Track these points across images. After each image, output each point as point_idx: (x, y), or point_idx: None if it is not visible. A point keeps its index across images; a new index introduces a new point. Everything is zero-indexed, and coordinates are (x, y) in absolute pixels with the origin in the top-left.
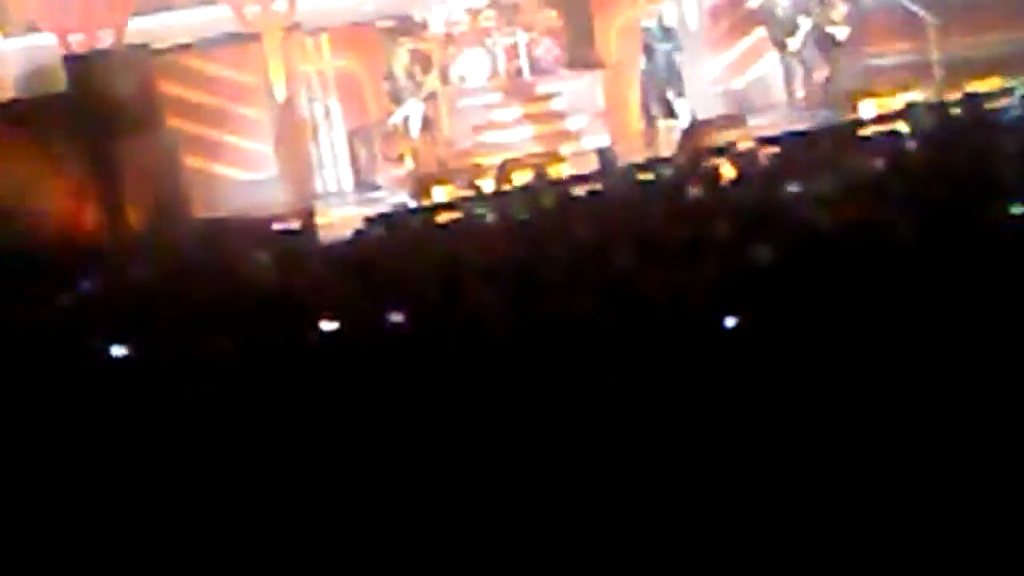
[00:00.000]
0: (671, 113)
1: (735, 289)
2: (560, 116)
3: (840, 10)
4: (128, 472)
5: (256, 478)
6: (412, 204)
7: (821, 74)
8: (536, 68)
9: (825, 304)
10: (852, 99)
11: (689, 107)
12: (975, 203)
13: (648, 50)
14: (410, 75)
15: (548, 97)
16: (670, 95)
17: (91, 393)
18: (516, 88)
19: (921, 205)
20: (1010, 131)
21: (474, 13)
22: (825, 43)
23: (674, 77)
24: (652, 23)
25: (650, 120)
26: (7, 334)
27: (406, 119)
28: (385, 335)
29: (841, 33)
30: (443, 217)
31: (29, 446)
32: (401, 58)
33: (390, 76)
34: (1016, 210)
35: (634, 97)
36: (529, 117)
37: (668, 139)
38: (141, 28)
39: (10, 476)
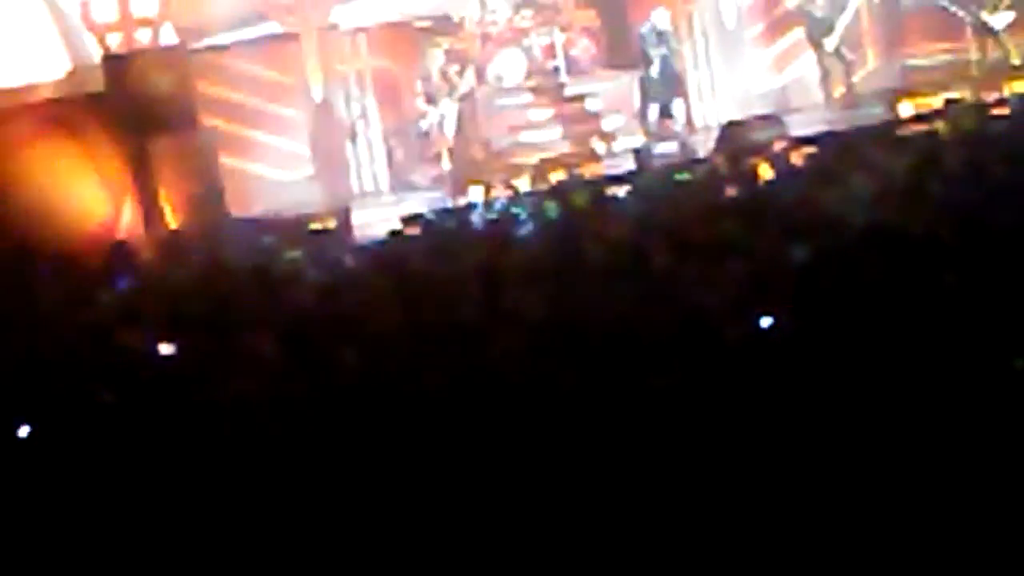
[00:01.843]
0: (669, 116)
1: (770, 290)
2: (596, 116)
3: None
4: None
5: (295, 475)
6: (449, 204)
7: (859, 73)
8: (573, 68)
9: (862, 306)
10: (891, 99)
11: (686, 110)
12: (1012, 206)
13: (644, 56)
14: (445, 75)
15: (584, 97)
16: (667, 98)
17: (128, 392)
18: (552, 88)
19: (958, 206)
20: None
21: (511, 12)
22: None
23: (671, 81)
24: (647, 28)
25: (645, 122)
26: (49, 333)
27: (441, 119)
28: (417, 334)
29: None
30: (481, 217)
31: (60, 446)
32: (436, 58)
33: (425, 76)
34: None
35: None
36: (564, 117)
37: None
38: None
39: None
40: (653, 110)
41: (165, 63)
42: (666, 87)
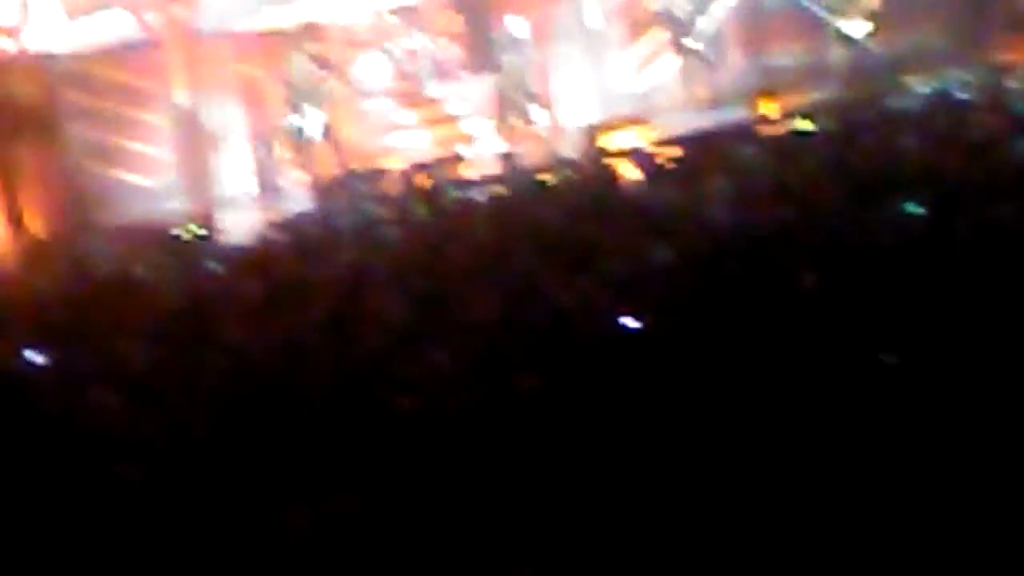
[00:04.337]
0: (527, 121)
1: (635, 290)
2: (459, 119)
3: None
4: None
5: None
6: (314, 208)
7: (721, 74)
8: (436, 71)
9: (728, 305)
10: (753, 99)
11: (547, 113)
12: (873, 202)
13: (497, 61)
14: (309, 80)
15: (447, 100)
16: (524, 103)
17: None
18: (416, 91)
19: (821, 204)
20: (911, 130)
21: (376, 16)
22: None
23: (524, 86)
24: (500, 34)
25: (504, 126)
26: None
27: (306, 124)
28: (283, 338)
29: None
30: (346, 221)
31: None
32: (300, 63)
33: (290, 81)
34: (912, 209)
35: None
36: (430, 120)
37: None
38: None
39: None
40: (510, 115)
41: (27, 71)
42: (520, 91)
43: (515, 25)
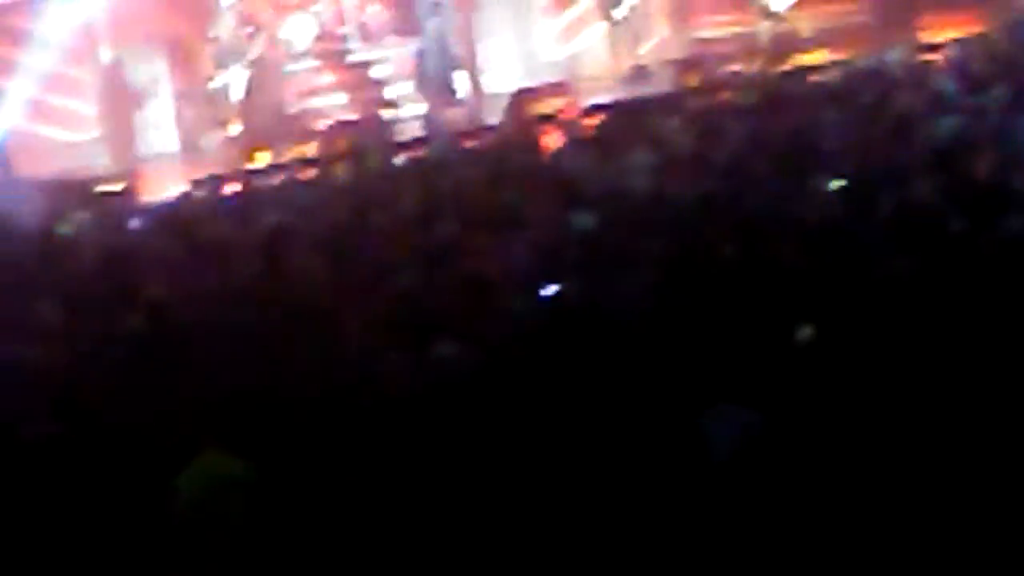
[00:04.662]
0: (448, 88)
1: (555, 257)
2: (382, 83)
3: None
4: None
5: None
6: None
7: (647, 45)
8: (362, 34)
9: (644, 273)
10: (679, 70)
11: (472, 78)
12: (794, 176)
13: (420, 26)
14: (235, 39)
15: (371, 64)
16: (446, 67)
17: None
18: (340, 54)
19: (741, 176)
20: (833, 105)
21: None
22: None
23: (447, 51)
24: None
25: (426, 90)
26: None
27: (231, 83)
28: (207, 299)
29: None
30: (268, 181)
31: None
32: (226, 21)
33: (215, 39)
34: (834, 184)
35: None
36: (351, 83)
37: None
38: None
39: None
40: (431, 80)
41: None
42: (442, 57)
43: None
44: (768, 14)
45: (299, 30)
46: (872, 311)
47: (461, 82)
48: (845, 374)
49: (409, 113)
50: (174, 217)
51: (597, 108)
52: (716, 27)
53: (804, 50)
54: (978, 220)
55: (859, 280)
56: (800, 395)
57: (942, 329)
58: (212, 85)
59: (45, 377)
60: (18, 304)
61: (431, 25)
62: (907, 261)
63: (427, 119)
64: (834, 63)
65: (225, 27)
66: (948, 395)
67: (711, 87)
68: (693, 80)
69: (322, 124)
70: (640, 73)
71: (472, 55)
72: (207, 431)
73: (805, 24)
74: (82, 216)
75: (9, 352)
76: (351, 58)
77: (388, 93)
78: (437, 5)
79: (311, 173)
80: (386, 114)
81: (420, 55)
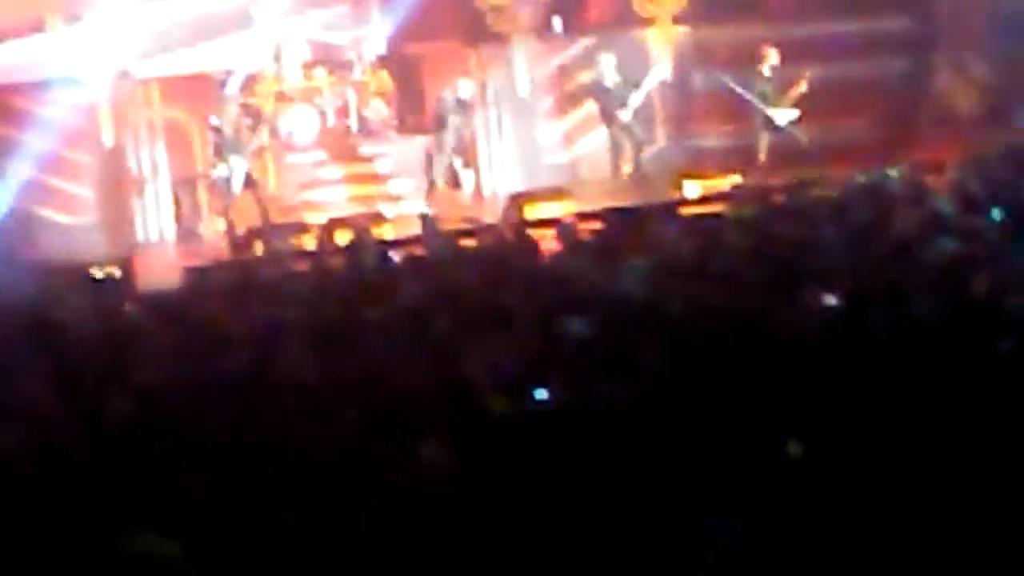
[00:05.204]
0: (456, 183)
1: (547, 361)
2: (385, 178)
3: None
4: None
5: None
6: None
7: (648, 151)
8: (365, 129)
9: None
10: (677, 178)
11: (475, 178)
12: (789, 291)
13: (440, 120)
14: (237, 129)
15: (374, 158)
16: (457, 165)
17: None
18: (343, 148)
19: (736, 289)
20: (832, 220)
21: (306, 70)
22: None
23: (462, 148)
24: (448, 94)
25: (431, 186)
26: None
27: (231, 173)
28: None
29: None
30: (263, 272)
31: None
32: (230, 112)
33: (217, 129)
34: (829, 301)
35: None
36: (354, 177)
37: (455, 205)
38: None
39: None
40: (440, 175)
41: None
42: (457, 152)
43: (466, 88)
44: (770, 126)
45: (302, 122)
46: (865, 426)
47: (467, 181)
48: (836, 489)
49: (408, 209)
50: (168, 304)
51: (595, 213)
52: (717, 137)
53: (804, 164)
54: (974, 339)
55: (852, 395)
56: (789, 509)
57: (935, 445)
58: (212, 174)
59: (32, 459)
60: (8, 386)
61: (454, 121)
62: (901, 377)
63: (425, 217)
64: (834, 179)
65: (227, 117)
66: (941, 510)
67: (710, 197)
68: (691, 189)
69: (321, 217)
70: (640, 180)
71: (475, 155)
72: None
73: (806, 138)
74: (77, 300)
75: None
76: (354, 152)
77: (388, 188)
78: (462, 103)
79: (307, 265)
80: (385, 209)
81: (436, 150)
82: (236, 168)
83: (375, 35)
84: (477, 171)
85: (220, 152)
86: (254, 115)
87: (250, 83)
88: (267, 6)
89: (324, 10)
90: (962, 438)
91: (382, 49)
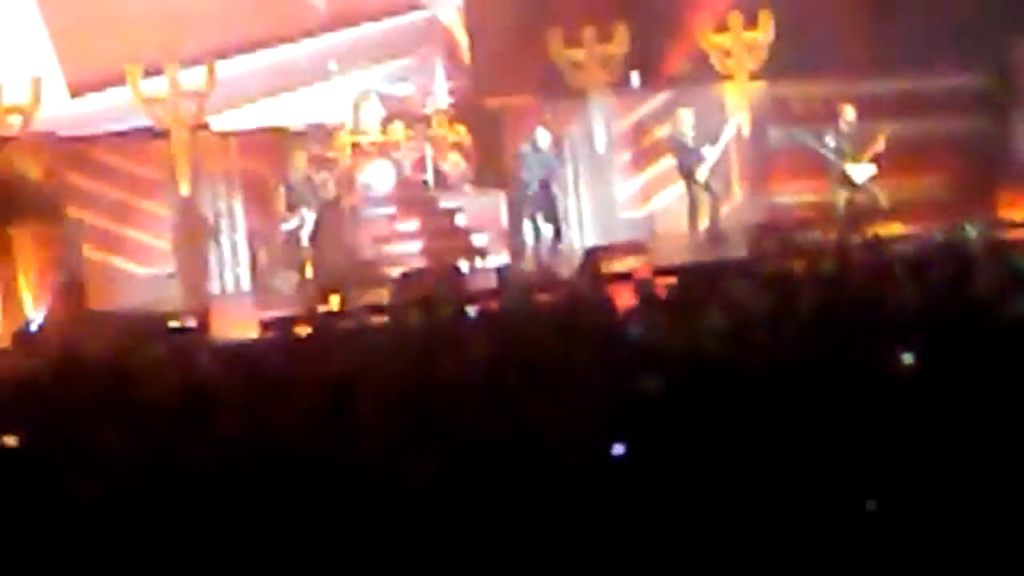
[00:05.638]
0: (538, 238)
1: (624, 417)
2: (463, 232)
3: None
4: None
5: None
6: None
7: (726, 206)
8: (441, 183)
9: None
10: (755, 235)
11: (560, 232)
12: (864, 349)
13: (520, 175)
14: (307, 182)
15: (451, 212)
16: (539, 220)
17: None
18: (420, 201)
19: (812, 346)
20: (909, 277)
21: (384, 123)
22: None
23: (546, 202)
24: (526, 148)
25: (523, 243)
26: None
27: (301, 225)
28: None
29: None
30: (341, 326)
31: None
32: (298, 164)
33: (288, 181)
34: (906, 359)
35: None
36: (431, 231)
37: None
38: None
39: None
40: (527, 230)
41: (34, 151)
42: (541, 208)
43: (543, 138)
44: (847, 183)
45: (378, 176)
46: (939, 487)
47: (549, 232)
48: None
49: (486, 264)
50: (244, 357)
51: (671, 269)
52: (794, 193)
53: (882, 221)
54: None
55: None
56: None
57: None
58: (284, 226)
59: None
60: (89, 438)
61: (534, 174)
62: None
63: (501, 271)
64: (911, 236)
65: (297, 169)
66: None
67: (787, 253)
68: (770, 245)
69: (397, 271)
70: (717, 236)
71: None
72: None
73: (883, 195)
74: (154, 351)
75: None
76: (431, 206)
77: (466, 242)
78: (542, 153)
79: (382, 319)
80: (462, 264)
81: (519, 203)
82: (308, 220)
83: (440, 88)
84: (559, 225)
85: (290, 204)
86: (326, 167)
87: (326, 136)
88: (344, 59)
89: (391, 63)
90: None
91: (447, 102)
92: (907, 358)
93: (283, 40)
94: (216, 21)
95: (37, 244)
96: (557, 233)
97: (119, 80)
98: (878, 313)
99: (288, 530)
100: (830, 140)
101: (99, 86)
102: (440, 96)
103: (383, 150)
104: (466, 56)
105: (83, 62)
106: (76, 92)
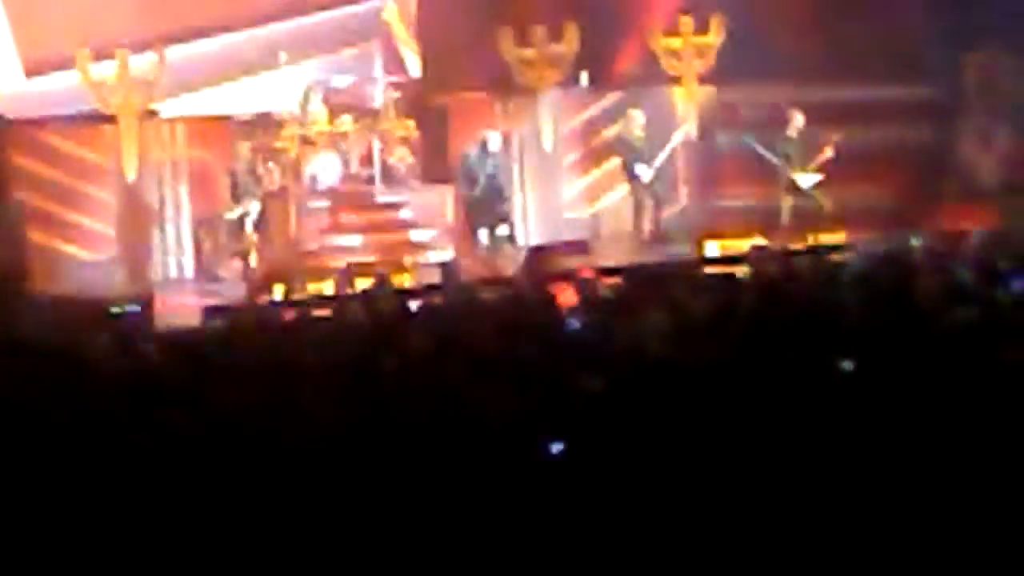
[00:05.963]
0: (494, 237)
1: (562, 415)
2: (407, 226)
3: None
4: None
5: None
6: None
7: (671, 209)
8: (388, 177)
9: (653, 438)
10: (698, 238)
11: (509, 232)
12: (804, 355)
13: (470, 177)
14: (251, 172)
15: (397, 206)
16: (494, 220)
17: None
18: (366, 195)
19: (752, 349)
20: (851, 286)
21: (332, 115)
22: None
23: (497, 201)
24: (472, 150)
25: (477, 245)
26: None
27: (246, 215)
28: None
29: None
30: (280, 315)
31: None
32: (243, 154)
33: (232, 171)
34: (844, 366)
35: None
36: (376, 224)
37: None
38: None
39: None
40: (480, 231)
41: None
42: (493, 208)
43: (494, 140)
44: (794, 189)
45: (324, 167)
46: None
47: (503, 232)
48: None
49: (428, 259)
50: (187, 344)
51: (614, 270)
52: (739, 198)
53: (826, 228)
54: (991, 410)
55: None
56: None
57: (955, 514)
58: (228, 215)
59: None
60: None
61: (485, 174)
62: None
63: (445, 266)
64: (855, 244)
65: (243, 159)
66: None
67: (729, 258)
68: (712, 249)
69: (340, 263)
70: (659, 238)
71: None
72: None
73: (829, 202)
74: (96, 336)
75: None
76: (376, 200)
77: (410, 236)
78: (490, 154)
79: (325, 311)
80: (405, 259)
81: (469, 204)
82: (252, 209)
83: (380, 81)
84: (512, 224)
85: (235, 193)
86: (271, 157)
87: (273, 126)
88: (292, 50)
89: (341, 53)
90: (977, 507)
91: (391, 96)
92: (845, 364)
93: (233, 27)
94: (167, 6)
95: None
96: (511, 236)
97: (74, 62)
98: (818, 319)
99: (229, 516)
100: (778, 146)
101: (55, 67)
102: (379, 89)
103: (330, 142)
104: (406, 49)
105: (39, 42)
106: (31, 72)
